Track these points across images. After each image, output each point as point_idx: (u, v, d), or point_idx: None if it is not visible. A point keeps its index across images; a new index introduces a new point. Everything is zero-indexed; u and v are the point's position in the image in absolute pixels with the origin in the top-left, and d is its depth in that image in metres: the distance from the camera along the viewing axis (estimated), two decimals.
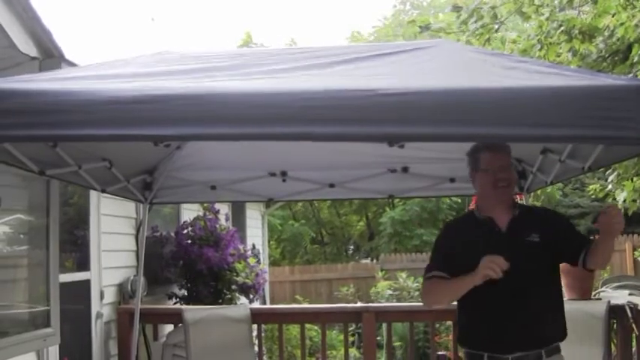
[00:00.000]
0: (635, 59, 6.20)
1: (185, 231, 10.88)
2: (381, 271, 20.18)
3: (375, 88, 3.59)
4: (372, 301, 16.51)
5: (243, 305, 9.89)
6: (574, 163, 5.81)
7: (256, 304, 12.47)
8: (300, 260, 27.90)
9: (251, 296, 11.49)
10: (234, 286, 10.96)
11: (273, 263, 24.42)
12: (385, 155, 6.53)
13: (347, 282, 20.02)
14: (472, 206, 10.99)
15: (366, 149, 6.25)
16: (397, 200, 24.36)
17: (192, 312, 7.90)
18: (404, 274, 18.08)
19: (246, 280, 11.09)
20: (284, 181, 7.31)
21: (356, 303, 13.71)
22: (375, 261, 23.46)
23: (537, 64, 4.56)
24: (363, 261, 25.56)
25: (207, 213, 11.44)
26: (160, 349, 8.72)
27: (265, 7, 61.09)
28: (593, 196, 9.07)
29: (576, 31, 6.96)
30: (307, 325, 10.55)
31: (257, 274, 11.52)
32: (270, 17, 61.57)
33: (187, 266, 10.55)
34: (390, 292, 17.56)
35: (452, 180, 7.31)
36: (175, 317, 8.37)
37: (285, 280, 21.66)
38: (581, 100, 3.58)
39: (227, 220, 12.39)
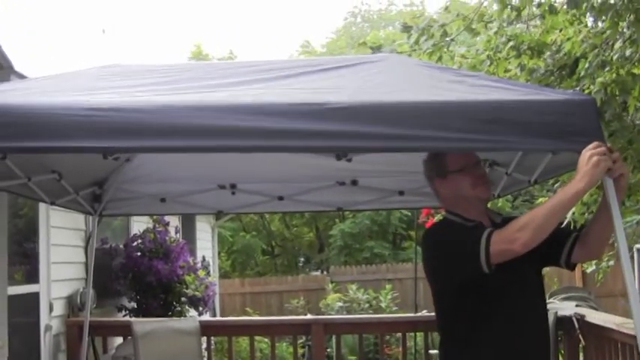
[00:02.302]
0: (582, 73, 6.27)
1: (135, 243, 10.85)
2: (331, 283, 20.20)
3: (323, 102, 3.61)
4: (323, 314, 16.53)
5: (193, 318, 9.89)
6: (520, 176, 5.90)
7: (206, 317, 12.44)
8: (251, 272, 27.77)
9: (200, 309, 11.48)
10: (183, 299, 10.94)
11: (224, 275, 24.30)
12: (334, 168, 6.54)
13: (297, 294, 19.95)
14: (422, 219, 11.09)
15: (315, 162, 6.25)
16: (347, 213, 24.39)
17: (142, 324, 7.89)
18: (354, 286, 18.15)
19: (196, 293, 11.07)
20: (233, 193, 7.30)
21: (306, 315, 13.71)
22: (325, 273, 23.45)
23: (484, 79, 4.54)
24: (314, 273, 25.54)
25: (157, 225, 11.39)
26: None
27: (218, 18, 61.14)
28: None
29: (525, 47, 7.02)
30: (257, 338, 10.55)
31: (207, 287, 11.50)
32: (222, 29, 61.69)
33: (137, 278, 10.51)
34: (340, 304, 17.59)
35: (401, 193, 7.33)
36: (125, 330, 8.35)
37: (236, 293, 21.55)
38: (527, 114, 3.63)
39: (177, 232, 12.35)
